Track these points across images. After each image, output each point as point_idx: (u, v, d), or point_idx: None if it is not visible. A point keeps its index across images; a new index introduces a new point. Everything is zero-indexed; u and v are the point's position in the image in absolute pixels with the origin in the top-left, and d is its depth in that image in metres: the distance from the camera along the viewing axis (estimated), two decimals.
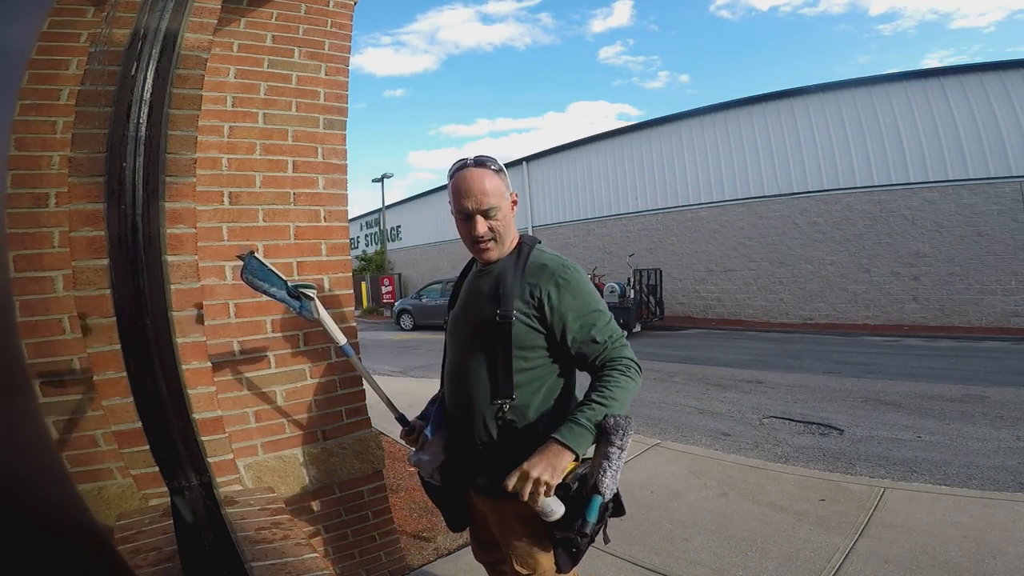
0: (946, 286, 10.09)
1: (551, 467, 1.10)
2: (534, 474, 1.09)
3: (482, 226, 1.22)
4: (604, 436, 1.14)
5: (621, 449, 1.13)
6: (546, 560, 1.26)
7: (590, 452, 1.19)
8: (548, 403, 1.25)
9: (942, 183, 10.11)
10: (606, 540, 1.23)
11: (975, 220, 9.76)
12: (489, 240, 1.25)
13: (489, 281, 1.28)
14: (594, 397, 1.16)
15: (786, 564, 2.22)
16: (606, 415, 1.14)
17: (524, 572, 1.28)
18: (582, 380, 1.31)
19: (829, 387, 5.71)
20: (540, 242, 1.34)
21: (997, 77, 9.62)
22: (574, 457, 1.13)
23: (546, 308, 1.21)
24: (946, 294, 10.09)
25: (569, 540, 1.15)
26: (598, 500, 1.12)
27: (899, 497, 2.76)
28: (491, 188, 1.22)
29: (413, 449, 1.41)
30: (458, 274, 1.48)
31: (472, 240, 1.25)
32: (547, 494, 1.11)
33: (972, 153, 9.80)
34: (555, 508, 1.14)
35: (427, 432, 1.37)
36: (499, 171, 1.26)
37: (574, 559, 1.18)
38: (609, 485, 1.13)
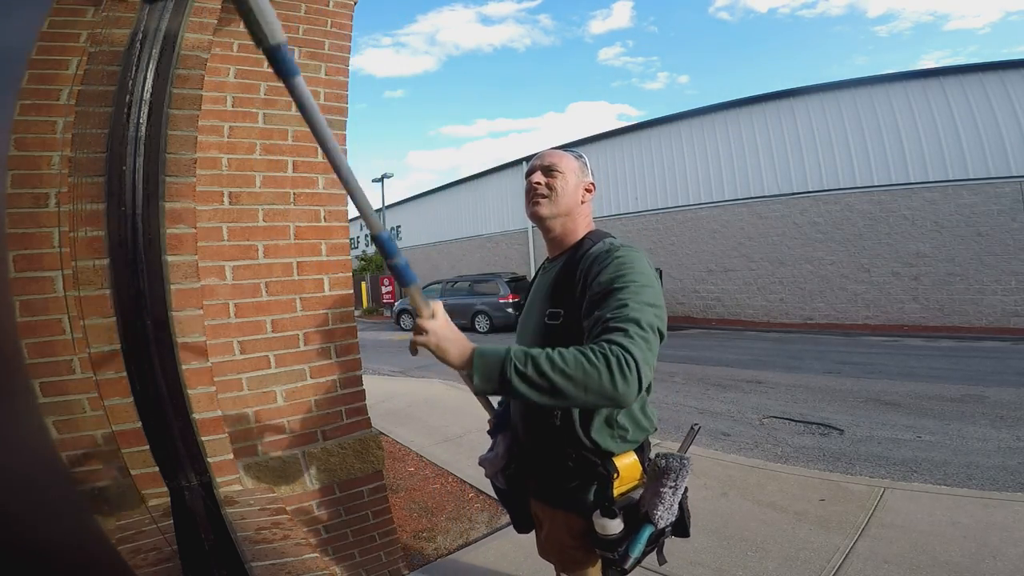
0: (946, 286, 10.09)
1: (442, 342, 0.92)
2: (421, 339, 0.93)
3: (538, 177, 1.22)
4: (658, 475, 1.12)
5: (674, 490, 1.12)
6: (594, 571, 1.24)
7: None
8: (599, 410, 1.14)
9: (942, 183, 10.10)
10: (660, 561, 1.23)
11: (975, 220, 9.75)
12: (541, 194, 1.21)
13: (549, 278, 1.24)
14: (549, 351, 0.91)
15: (786, 564, 2.22)
16: (647, 450, 1.15)
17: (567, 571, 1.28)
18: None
19: (829, 387, 5.71)
20: (613, 237, 1.21)
21: (997, 77, 9.61)
22: (460, 367, 0.93)
23: (584, 291, 1.08)
24: (946, 294, 10.09)
25: (610, 561, 1.15)
26: (648, 529, 1.12)
27: (899, 497, 2.76)
28: (561, 158, 1.25)
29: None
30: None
31: (527, 192, 1.24)
32: (412, 349, 0.96)
33: (972, 153, 9.80)
34: (607, 525, 1.12)
35: (491, 433, 1.38)
36: (578, 157, 1.28)
37: (620, 573, 1.17)
38: (663, 516, 1.12)
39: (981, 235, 9.70)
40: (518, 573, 2.28)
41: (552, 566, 1.39)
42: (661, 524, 1.12)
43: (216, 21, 1.54)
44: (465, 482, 3.38)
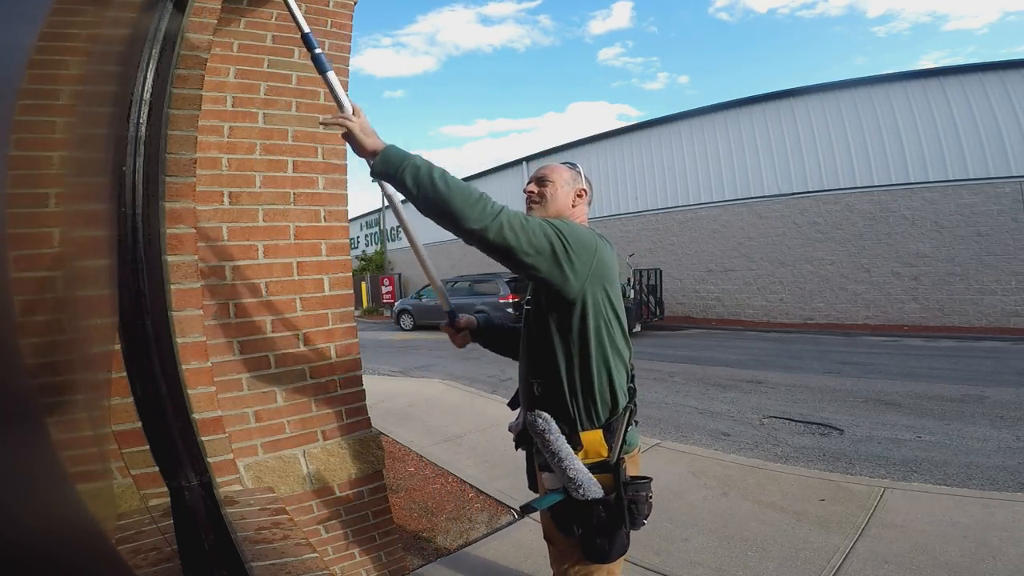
0: (946, 286, 10.09)
1: (364, 128, 1.18)
2: (345, 121, 1.18)
3: (532, 186, 1.44)
4: (532, 434, 1.28)
5: (550, 451, 1.24)
6: (571, 542, 1.31)
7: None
8: (572, 385, 1.28)
9: (942, 183, 10.11)
10: (600, 545, 1.27)
11: (975, 220, 9.75)
12: (534, 201, 1.43)
13: None
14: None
15: (786, 564, 2.22)
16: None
17: (550, 545, 1.42)
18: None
19: (829, 387, 5.71)
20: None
21: (997, 77, 9.62)
22: (369, 155, 1.16)
23: None
24: (946, 294, 10.09)
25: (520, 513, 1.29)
26: (553, 496, 1.26)
27: (899, 497, 2.76)
28: (553, 170, 1.45)
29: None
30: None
31: (525, 197, 1.46)
32: (325, 124, 1.24)
33: (972, 153, 9.80)
34: (544, 479, 1.32)
35: (510, 404, 1.62)
36: (571, 167, 1.47)
37: (588, 550, 1.26)
38: (568, 484, 1.22)
39: (981, 235, 9.70)
40: (518, 573, 2.29)
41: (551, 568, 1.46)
42: (573, 493, 1.22)
43: (216, 21, 1.54)
44: (465, 482, 3.38)
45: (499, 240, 1.11)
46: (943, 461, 3.50)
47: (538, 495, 1.51)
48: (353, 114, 1.21)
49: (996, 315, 9.55)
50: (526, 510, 1.36)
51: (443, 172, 1.11)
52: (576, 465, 1.22)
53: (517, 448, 1.55)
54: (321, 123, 1.29)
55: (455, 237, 1.16)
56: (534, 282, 1.27)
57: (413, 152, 1.15)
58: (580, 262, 1.19)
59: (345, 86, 2.14)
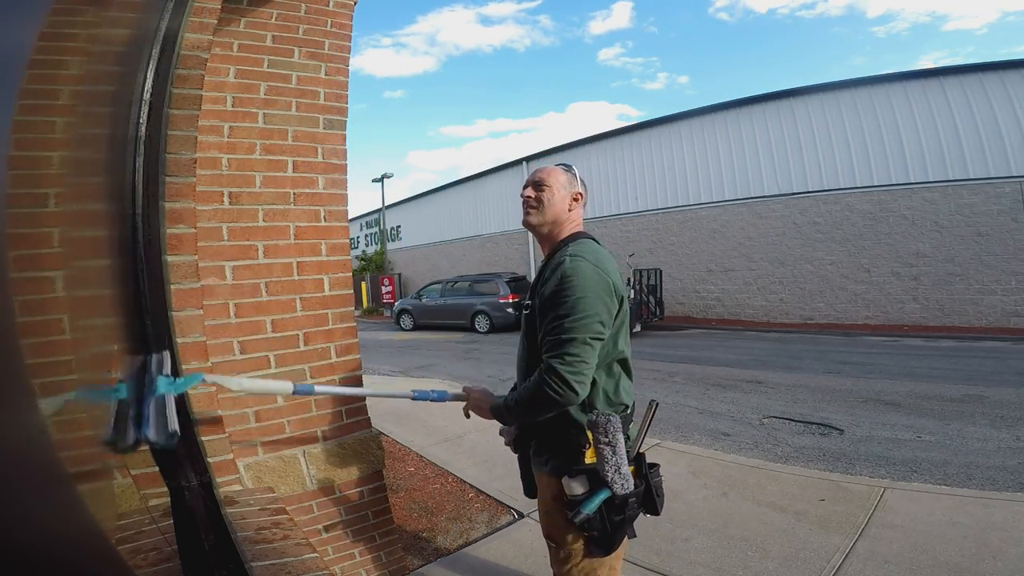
0: (946, 286, 10.08)
1: (475, 406, 1.53)
2: (467, 406, 1.56)
3: (529, 191, 1.46)
4: (594, 434, 1.29)
5: (611, 447, 1.26)
6: (574, 539, 1.36)
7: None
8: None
9: (942, 183, 10.10)
10: (629, 535, 1.36)
11: (975, 220, 9.75)
12: (531, 205, 1.46)
13: (537, 273, 1.47)
14: (513, 394, 1.41)
15: (786, 564, 2.22)
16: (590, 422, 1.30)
17: (551, 544, 1.43)
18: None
19: (829, 387, 5.71)
20: (592, 239, 1.45)
21: (997, 77, 9.61)
22: (493, 414, 1.45)
23: (540, 300, 1.35)
24: (946, 294, 10.09)
25: (579, 525, 1.30)
26: (604, 492, 1.27)
27: (899, 497, 2.76)
28: (550, 174, 1.47)
29: None
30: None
31: (522, 204, 1.50)
32: (466, 414, 1.58)
33: (972, 153, 9.79)
34: (574, 487, 1.30)
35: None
36: (567, 170, 1.50)
37: (597, 544, 1.32)
38: (615, 480, 1.26)
39: (981, 235, 9.70)
40: (518, 573, 2.29)
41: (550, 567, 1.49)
42: (617, 489, 1.26)
43: (216, 21, 1.54)
44: (465, 482, 3.38)
45: (580, 385, 1.23)
46: (943, 461, 3.50)
47: (534, 500, 1.56)
48: (467, 395, 1.55)
49: (996, 315, 9.54)
50: (577, 516, 1.30)
51: (516, 401, 1.34)
52: (627, 462, 1.29)
53: (515, 452, 1.58)
54: (467, 416, 1.59)
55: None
56: None
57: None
58: (608, 311, 1.29)
59: (345, 86, 2.15)
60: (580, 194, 1.49)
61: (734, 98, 13.08)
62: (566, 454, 1.34)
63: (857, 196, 11.06)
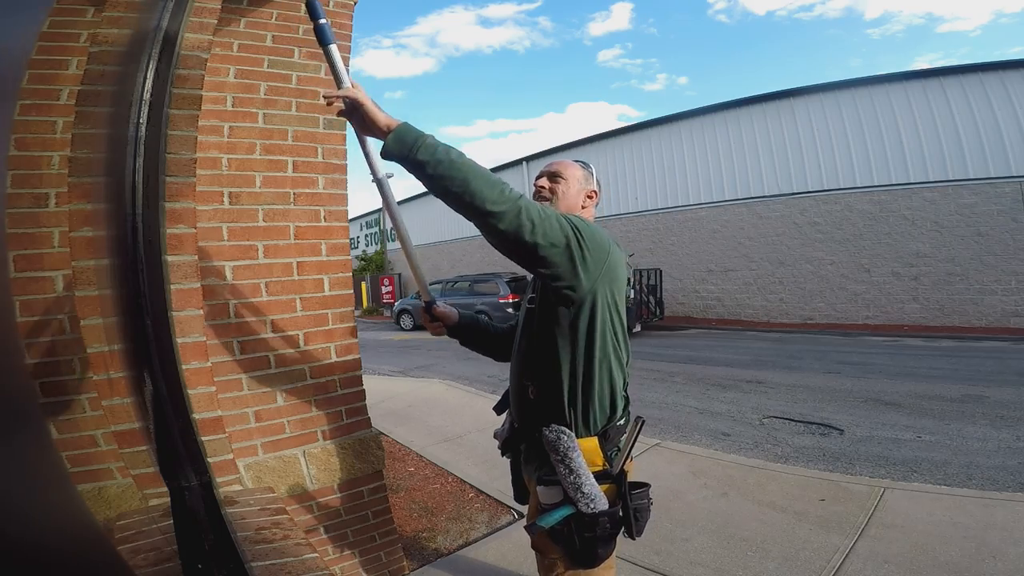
0: (946, 286, 10.09)
1: (368, 105, 1.11)
2: (351, 92, 1.13)
3: (543, 181, 1.39)
4: (547, 450, 1.22)
5: (563, 464, 1.18)
6: (558, 550, 1.29)
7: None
8: (573, 389, 1.23)
9: (942, 183, 10.10)
10: (598, 555, 1.23)
11: (975, 220, 9.75)
12: (544, 196, 1.37)
13: None
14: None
15: (786, 564, 2.22)
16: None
17: (536, 553, 1.37)
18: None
19: (829, 387, 5.71)
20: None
21: (997, 77, 9.62)
22: (383, 132, 1.08)
23: None
24: (946, 294, 10.09)
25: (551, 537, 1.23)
26: (564, 510, 1.19)
27: (899, 497, 2.76)
28: (567, 166, 1.40)
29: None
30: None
31: (533, 195, 1.39)
32: (330, 107, 1.18)
33: (972, 153, 9.80)
34: (541, 492, 1.25)
35: (496, 409, 1.59)
36: (584, 166, 1.43)
37: (573, 558, 1.23)
38: (578, 498, 1.17)
39: (981, 235, 9.70)
40: (518, 573, 2.28)
41: None
42: (582, 507, 1.17)
43: (216, 21, 1.54)
44: (465, 482, 3.38)
45: (514, 226, 1.03)
46: (943, 461, 3.50)
47: (526, 506, 1.51)
48: (353, 85, 1.15)
49: (996, 315, 9.55)
50: (533, 529, 1.26)
51: (460, 152, 1.04)
52: (591, 481, 1.18)
53: (503, 455, 1.50)
54: (324, 96, 1.17)
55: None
56: (544, 278, 1.17)
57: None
58: (593, 261, 1.14)
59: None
60: (595, 192, 1.42)
61: (734, 98, 13.10)
62: (547, 463, 1.26)
63: (857, 196, 11.07)
